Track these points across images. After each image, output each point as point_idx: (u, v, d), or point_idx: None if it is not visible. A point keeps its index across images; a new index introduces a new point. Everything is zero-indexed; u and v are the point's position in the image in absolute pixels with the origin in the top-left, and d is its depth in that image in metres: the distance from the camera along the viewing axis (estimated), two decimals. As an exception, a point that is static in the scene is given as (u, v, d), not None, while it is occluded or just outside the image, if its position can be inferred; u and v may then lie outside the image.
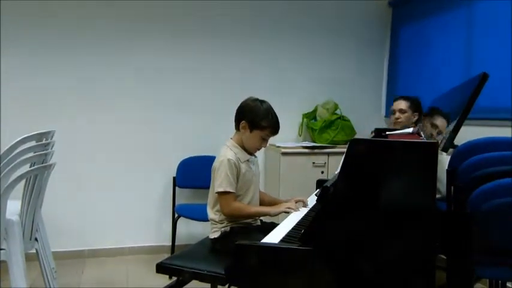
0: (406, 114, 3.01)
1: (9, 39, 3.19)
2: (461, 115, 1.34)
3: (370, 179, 1.33)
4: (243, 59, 3.71)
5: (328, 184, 1.59)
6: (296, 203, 2.12)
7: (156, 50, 3.51)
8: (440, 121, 2.02)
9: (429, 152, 1.27)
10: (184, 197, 3.58)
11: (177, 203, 3.46)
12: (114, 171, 3.46)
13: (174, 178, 3.47)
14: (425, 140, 1.78)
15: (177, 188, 3.47)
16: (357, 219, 1.34)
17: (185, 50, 3.57)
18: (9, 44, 3.19)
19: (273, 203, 2.26)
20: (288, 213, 2.03)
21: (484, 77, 1.35)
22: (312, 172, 3.39)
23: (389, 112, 3.12)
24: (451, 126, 1.39)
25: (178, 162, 3.49)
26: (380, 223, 1.33)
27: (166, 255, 2.25)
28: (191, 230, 3.59)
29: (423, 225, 1.31)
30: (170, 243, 3.36)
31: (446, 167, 1.95)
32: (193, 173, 3.45)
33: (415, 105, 3.03)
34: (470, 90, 1.37)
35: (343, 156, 1.38)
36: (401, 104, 3.04)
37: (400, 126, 2.94)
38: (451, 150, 2.00)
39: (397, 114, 3.03)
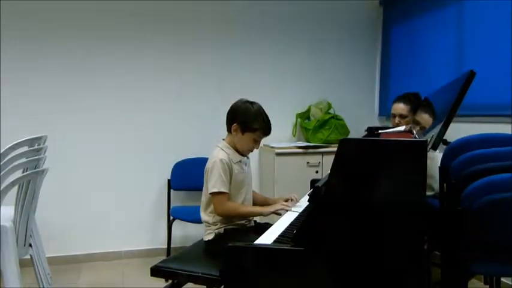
0: (406, 119, 2.90)
1: (6, 42, 3.18)
2: (449, 112, 1.36)
3: (361, 178, 1.34)
4: (236, 60, 3.71)
5: (319, 184, 1.59)
6: (286, 201, 2.13)
7: (151, 55, 3.50)
8: (423, 118, 2.02)
9: (418, 150, 1.28)
10: (179, 199, 3.57)
11: (172, 205, 3.46)
12: (109, 175, 3.45)
13: (168, 180, 3.47)
14: (415, 139, 1.79)
15: (171, 190, 3.47)
16: (348, 219, 1.35)
17: (179, 53, 3.57)
18: (6, 45, 3.18)
19: (265, 202, 2.28)
20: (279, 214, 2.04)
21: (470, 75, 1.36)
22: (306, 172, 3.40)
23: (390, 115, 3.06)
24: (440, 124, 1.40)
25: (173, 164, 3.49)
26: (371, 222, 1.33)
27: (163, 258, 2.24)
28: (187, 232, 3.58)
29: (413, 223, 1.32)
30: (166, 246, 3.35)
31: (438, 164, 1.97)
32: (188, 175, 3.45)
33: (416, 105, 2.86)
34: (458, 88, 1.38)
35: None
36: (401, 108, 2.93)
37: None
38: (444, 147, 2.01)
39: (397, 120, 2.94)
